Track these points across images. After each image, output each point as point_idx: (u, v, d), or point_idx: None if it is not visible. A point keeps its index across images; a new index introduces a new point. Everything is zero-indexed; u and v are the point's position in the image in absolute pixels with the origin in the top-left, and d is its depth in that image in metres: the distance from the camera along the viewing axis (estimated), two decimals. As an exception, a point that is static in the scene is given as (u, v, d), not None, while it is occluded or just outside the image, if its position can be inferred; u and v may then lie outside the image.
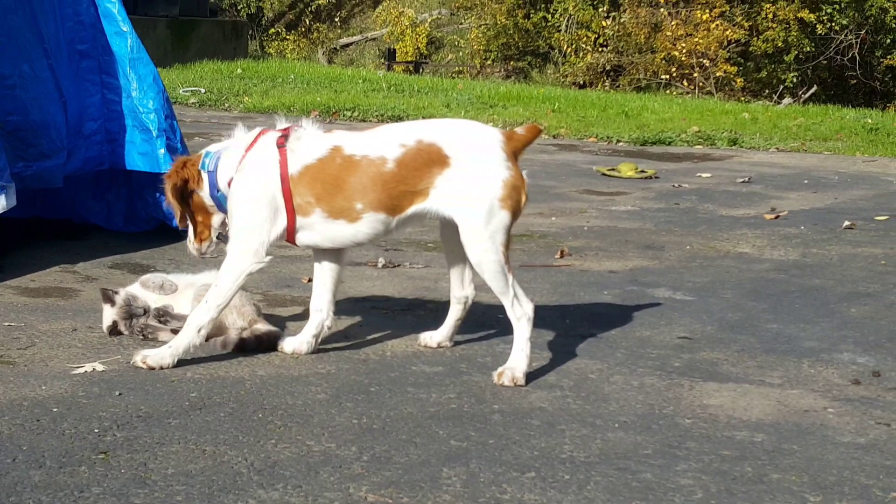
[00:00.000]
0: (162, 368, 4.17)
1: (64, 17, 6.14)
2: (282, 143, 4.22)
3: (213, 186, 4.32)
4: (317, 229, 4.23)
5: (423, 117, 14.85)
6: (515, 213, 4.16)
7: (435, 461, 3.41)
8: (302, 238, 4.27)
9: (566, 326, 5.00)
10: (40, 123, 5.79)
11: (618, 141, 13.42)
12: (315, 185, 4.17)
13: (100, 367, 4.19)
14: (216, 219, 4.43)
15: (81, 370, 4.15)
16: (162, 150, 6.18)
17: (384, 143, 4.18)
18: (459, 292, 4.50)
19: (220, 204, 4.35)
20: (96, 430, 3.55)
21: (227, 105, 15.86)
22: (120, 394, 3.90)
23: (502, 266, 4.14)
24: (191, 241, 4.49)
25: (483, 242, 4.11)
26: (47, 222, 6.83)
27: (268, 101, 15.71)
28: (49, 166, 5.86)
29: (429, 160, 4.14)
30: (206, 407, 3.81)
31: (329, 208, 4.18)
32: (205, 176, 4.33)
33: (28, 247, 6.25)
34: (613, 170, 10.51)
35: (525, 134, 4.28)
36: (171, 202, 4.38)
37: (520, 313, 4.18)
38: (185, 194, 4.36)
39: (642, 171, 10.44)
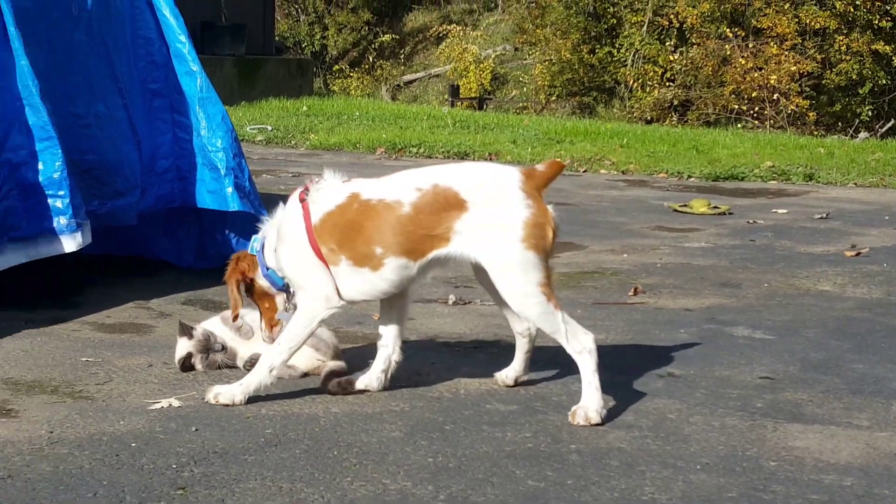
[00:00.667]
0: (234, 405, 4.21)
1: (137, 57, 6.27)
2: (303, 198, 4.30)
3: (263, 265, 4.41)
4: (348, 280, 4.26)
5: (490, 153, 14.91)
6: (543, 250, 4.16)
7: (513, 501, 3.42)
8: (340, 291, 4.31)
9: (643, 365, 4.99)
10: (115, 162, 5.91)
11: (689, 176, 13.34)
12: (335, 232, 4.23)
13: (176, 403, 4.25)
14: (279, 300, 4.51)
15: (158, 406, 4.22)
16: (230, 189, 6.27)
17: (400, 188, 4.23)
18: (518, 326, 4.53)
19: (274, 281, 4.43)
20: (174, 466, 3.60)
21: (293, 142, 16.00)
22: (196, 429, 3.95)
23: (544, 304, 4.13)
24: (263, 330, 4.57)
25: (516, 286, 4.13)
26: (119, 259, 6.94)
27: (334, 138, 15.83)
28: (123, 204, 5.97)
29: (446, 204, 4.17)
30: (282, 444, 3.85)
31: (352, 254, 4.22)
32: (253, 260, 4.44)
33: (102, 283, 6.36)
34: (685, 206, 10.44)
35: (546, 170, 4.29)
36: (234, 298, 4.46)
37: (578, 347, 4.17)
38: (247, 287, 4.46)
39: (715, 207, 10.36)
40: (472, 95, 28.45)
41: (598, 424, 4.08)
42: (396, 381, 4.56)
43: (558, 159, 4.33)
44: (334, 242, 4.22)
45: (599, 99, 27.25)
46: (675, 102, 25.15)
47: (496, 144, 15.48)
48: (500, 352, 5.11)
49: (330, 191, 4.30)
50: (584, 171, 13.93)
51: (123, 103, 5.99)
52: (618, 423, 4.19)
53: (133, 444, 3.79)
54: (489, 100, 28.66)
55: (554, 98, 27.57)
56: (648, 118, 24.62)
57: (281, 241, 4.33)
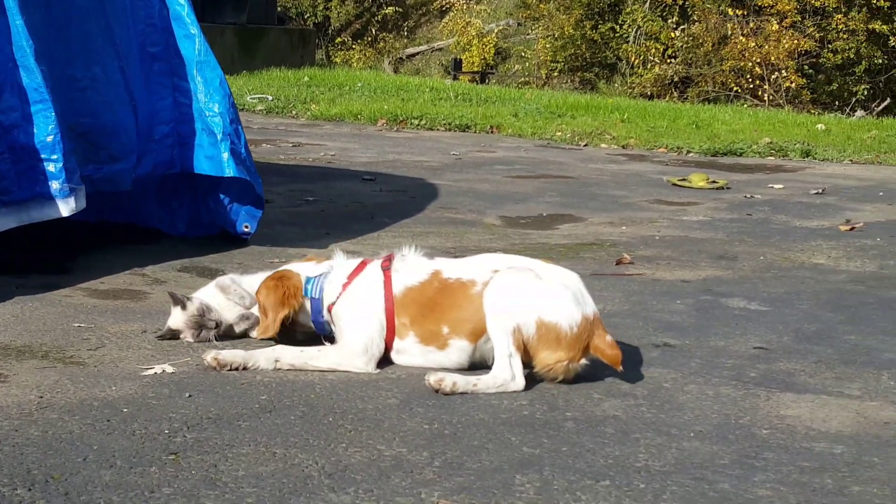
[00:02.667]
0: (231, 368, 4.18)
1: (136, 20, 6.14)
2: (386, 266, 4.38)
3: (318, 312, 4.44)
4: (411, 352, 4.36)
5: (491, 126, 14.86)
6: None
7: (507, 468, 3.38)
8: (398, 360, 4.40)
9: (639, 335, 4.95)
10: (111, 126, 5.82)
11: (688, 151, 13.31)
12: (412, 308, 4.31)
13: (169, 369, 4.20)
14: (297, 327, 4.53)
15: (151, 371, 4.17)
16: (226, 155, 6.20)
17: (478, 268, 4.32)
18: None
19: (321, 328, 4.48)
20: (166, 431, 3.55)
21: (294, 112, 15.95)
22: (190, 395, 3.91)
23: None
24: (257, 331, 4.57)
25: None
26: (114, 225, 6.88)
27: (335, 109, 15.78)
28: (118, 169, 5.88)
29: None
30: (277, 410, 3.80)
31: (420, 331, 4.31)
32: (306, 302, 4.45)
33: (96, 249, 6.31)
34: (684, 180, 10.42)
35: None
36: (275, 328, 4.44)
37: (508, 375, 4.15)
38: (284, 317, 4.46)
39: (713, 182, 10.34)
40: (475, 69, 28.35)
41: (441, 391, 4.02)
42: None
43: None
44: (408, 318, 4.31)
45: (601, 75, 27.17)
46: (676, 79, 25.08)
47: (497, 118, 15.44)
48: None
49: (413, 264, 4.40)
50: (585, 145, 13.91)
51: (121, 66, 5.88)
52: (613, 391, 4.16)
53: (125, 410, 3.74)
54: (491, 74, 28.57)
55: (556, 73, 27.48)
56: (649, 94, 24.55)
57: (347, 296, 4.38)
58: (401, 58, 31.59)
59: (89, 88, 5.70)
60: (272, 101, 16.56)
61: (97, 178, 5.73)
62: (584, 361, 4.15)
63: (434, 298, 4.30)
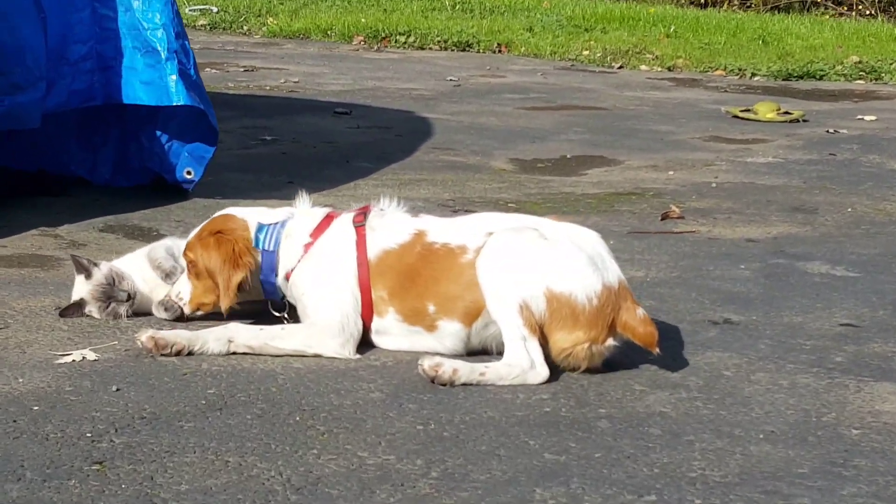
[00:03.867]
0: (171, 353, 4.21)
1: None
2: (360, 222, 4.40)
3: (270, 270, 4.46)
4: (393, 333, 4.40)
5: (499, 43, 14.83)
6: None
7: (525, 479, 3.39)
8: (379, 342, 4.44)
9: (691, 310, 4.97)
10: (12, 48, 5.80)
11: (753, 75, 13.30)
12: (390, 277, 4.34)
13: (91, 356, 4.21)
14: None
15: (68, 359, 4.18)
16: (173, 77, 6.20)
17: (470, 231, 4.33)
18: None
19: (270, 291, 4.49)
20: (88, 435, 3.57)
21: (246, 28, 15.93)
22: (118, 389, 3.92)
23: None
24: (181, 303, 4.55)
25: None
26: (16, 174, 6.88)
27: (298, 24, 15.75)
28: (23, 101, 5.87)
29: None
30: (228, 407, 3.82)
31: (402, 308, 4.34)
32: (256, 255, 4.45)
33: (-5, 204, 6.32)
34: (748, 111, 10.41)
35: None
36: (232, 293, 4.43)
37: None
38: None
39: (786, 113, 10.32)
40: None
41: (438, 381, 4.05)
42: (376, 328, 4.54)
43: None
44: (386, 289, 4.33)
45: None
46: (737, -19, 24.97)
47: (507, 33, 15.41)
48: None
49: (393, 221, 4.41)
50: (620, 68, 13.89)
51: (23, -32, 5.87)
52: (660, 381, 4.17)
53: (35, 408, 3.75)
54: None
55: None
56: (703, 1, 24.46)
57: (310, 259, 4.39)
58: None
59: (-19, 0, 5.68)
60: (217, 13, 16.53)
61: None
62: (611, 342, 4.16)
63: (415, 267, 4.32)
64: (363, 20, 15.84)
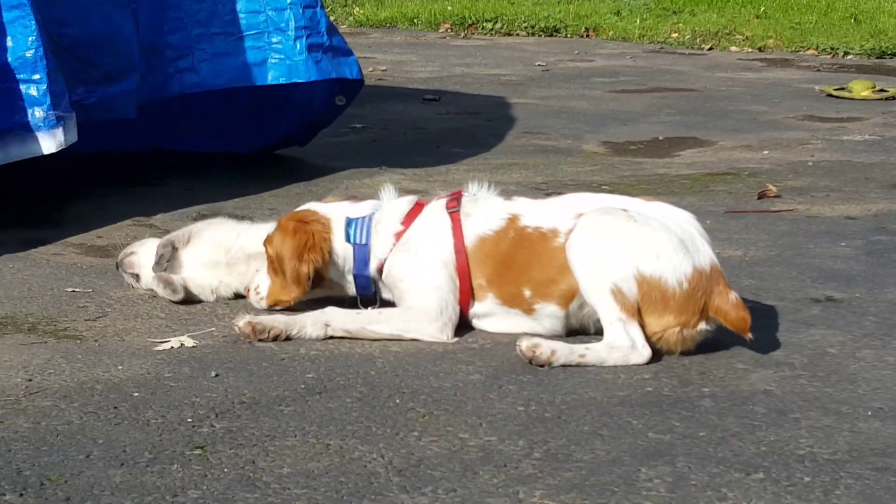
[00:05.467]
0: (269, 338, 4.22)
1: None
2: (454, 208, 4.39)
3: (363, 263, 4.46)
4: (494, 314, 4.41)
5: (586, 28, 14.79)
6: None
7: (629, 459, 3.36)
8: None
9: (793, 288, 4.92)
10: (104, 35, 5.83)
11: (846, 53, 13.17)
12: (488, 265, 4.34)
13: (189, 343, 4.23)
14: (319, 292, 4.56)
15: (166, 346, 4.20)
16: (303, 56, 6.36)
17: (560, 213, 4.32)
18: None
19: (364, 288, 4.50)
20: (189, 420, 3.58)
21: (332, 18, 15.92)
22: (217, 375, 3.93)
23: None
24: (258, 297, 4.56)
25: None
26: (113, 161, 6.94)
27: (385, 12, 15.77)
28: (116, 92, 5.91)
29: None
30: (328, 391, 3.82)
31: (500, 293, 4.34)
32: (348, 251, 4.47)
33: (91, 194, 6.37)
34: (843, 89, 10.32)
35: None
36: (298, 289, 4.45)
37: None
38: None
39: (882, 91, 10.23)
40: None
41: (535, 362, 4.03)
42: (474, 311, 4.53)
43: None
44: (484, 277, 4.34)
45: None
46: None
47: (594, 17, 15.36)
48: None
49: (487, 206, 4.40)
50: (710, 49, 13.80)
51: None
52: (763, 360, 4.12)
53: (135, 394, 3.77)
54: (583, -37, 28.37)
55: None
56: (790, -18, 24.26)
57: (405, 245, 4.40)
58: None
59: (71, -14, 5.71)
60: (303, 3, 16.57)
61: (90, 104, 5.75)
62: (703, 327, 4.10)
63: (510, 253, 4.31)
64: (449, 8, 15.83)
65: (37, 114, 5.35)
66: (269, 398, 3.76)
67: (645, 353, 4.04)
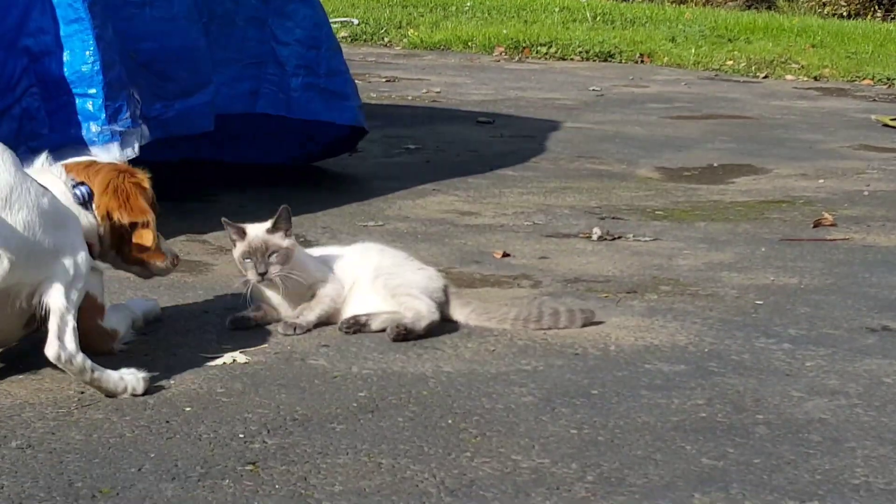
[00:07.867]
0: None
1: None
2: None
3: None
4: None
5: (641, 54, 14.79)
6: None
7: (683, 484, 3.34)
8: None
9: (848, 317, 4.87)
10: (180, 50, 5.86)
11: (901, 83, 13.17)
12: None
13: (241, 359, 4.23)
14: None
15: (218, 362, 4.20)
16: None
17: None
18: None
19: None
20: (241, 436, 3.58)
21: (386, 40, 16.02)
22: (269, 391, 3.93)
23: None
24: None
25: None
26: (165, 174, 6.96)
27: (439, 35, 15.81)
28: (193, 105, 5.94)
29: None
30: (380, 410, 3.81)
31: None
32: None
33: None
34: (899, 119, 10.31)
35: None
36: None
37: None
38: None
39: (938, 122, 10.21)
40: (616, -17, 28.18)
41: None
42: (528, 334, 4.53)
43: None
44: None
45: (781, -12, 26.85)
46: (882, -8, 24.72)
47: (649, 43, 15.36)
48: (661, 298, 5.05)
49: None
50: (765, 77, 13.78)
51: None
52: (818, 388, 4.09)
53: (188, 409, 3.77)
54: (636, -11, 28.37)
55: (722, -14, 27.20)
56: (846, 13, 24.21)
57: None
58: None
59: (148, 4, 5.72)
60: (358, 25, 16.63)
61: (169, 118, 5.77)
62: None
63: None
64: (504, 31, 15.86)
65: (92, 128, 5.38)
66: (321, 416, 3.75)
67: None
